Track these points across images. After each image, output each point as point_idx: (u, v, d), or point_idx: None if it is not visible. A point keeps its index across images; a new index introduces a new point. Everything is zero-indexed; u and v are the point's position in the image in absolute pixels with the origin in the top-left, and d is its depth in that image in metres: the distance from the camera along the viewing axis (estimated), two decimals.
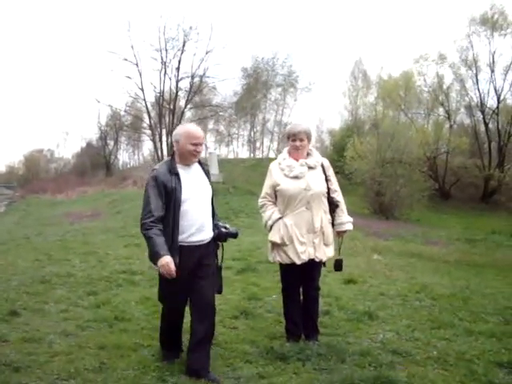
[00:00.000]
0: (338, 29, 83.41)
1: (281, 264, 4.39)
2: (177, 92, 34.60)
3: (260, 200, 4.50)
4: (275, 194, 4.39)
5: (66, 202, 30.95)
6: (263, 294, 5.96)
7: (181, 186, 3.56)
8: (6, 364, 3.72)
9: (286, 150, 4.54)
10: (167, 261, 3.42)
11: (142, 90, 33.85)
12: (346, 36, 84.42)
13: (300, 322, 4.45)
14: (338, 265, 4.48)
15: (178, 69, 33.54)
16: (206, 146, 58.01)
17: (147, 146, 53.58)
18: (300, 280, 4.43)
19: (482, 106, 32.86)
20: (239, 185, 25.08)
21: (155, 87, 34.32)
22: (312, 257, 4.23)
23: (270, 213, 4.34)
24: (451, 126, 34.00)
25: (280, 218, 4.28)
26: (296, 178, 4.26)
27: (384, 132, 25.62)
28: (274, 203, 4.40)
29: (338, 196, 4.46)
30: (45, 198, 35.83)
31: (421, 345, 4.46)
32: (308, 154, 4.44)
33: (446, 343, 4.53)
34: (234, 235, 3.91)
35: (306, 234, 4.22)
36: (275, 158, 4.69)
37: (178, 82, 33.94)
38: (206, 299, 3.70)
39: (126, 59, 32.50)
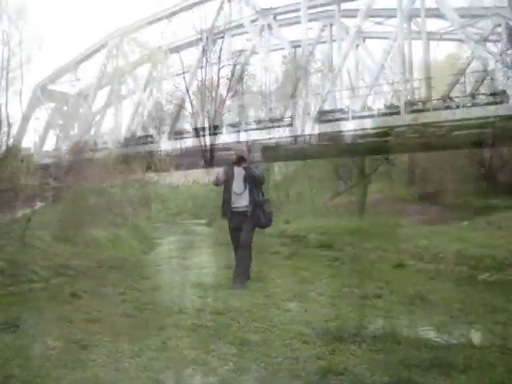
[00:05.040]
0: None
1: None
2: (218, 80, 34.65)
3: None
4: None
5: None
6: (314, 278, 6.00)
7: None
8: (74, 342, 3.90)
9: None
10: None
11: (184, 78, 34.08)
12: None
13: None
14: None
15: (219, 57, 33.59)
16: None
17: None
18: None
19: None
20: None
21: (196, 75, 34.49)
22: None
23: None
24: None
25: None
26: None
27: None
28: None
29: None
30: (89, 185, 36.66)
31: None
32: None
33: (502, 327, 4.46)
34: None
35: None
36: None
37: (219, 69, 34.01)
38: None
39: None
